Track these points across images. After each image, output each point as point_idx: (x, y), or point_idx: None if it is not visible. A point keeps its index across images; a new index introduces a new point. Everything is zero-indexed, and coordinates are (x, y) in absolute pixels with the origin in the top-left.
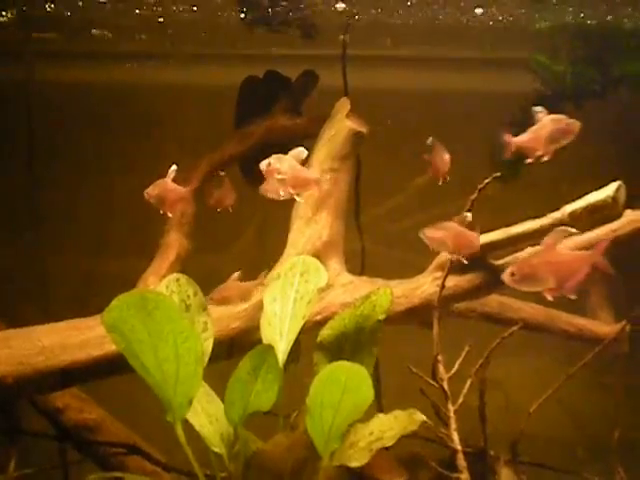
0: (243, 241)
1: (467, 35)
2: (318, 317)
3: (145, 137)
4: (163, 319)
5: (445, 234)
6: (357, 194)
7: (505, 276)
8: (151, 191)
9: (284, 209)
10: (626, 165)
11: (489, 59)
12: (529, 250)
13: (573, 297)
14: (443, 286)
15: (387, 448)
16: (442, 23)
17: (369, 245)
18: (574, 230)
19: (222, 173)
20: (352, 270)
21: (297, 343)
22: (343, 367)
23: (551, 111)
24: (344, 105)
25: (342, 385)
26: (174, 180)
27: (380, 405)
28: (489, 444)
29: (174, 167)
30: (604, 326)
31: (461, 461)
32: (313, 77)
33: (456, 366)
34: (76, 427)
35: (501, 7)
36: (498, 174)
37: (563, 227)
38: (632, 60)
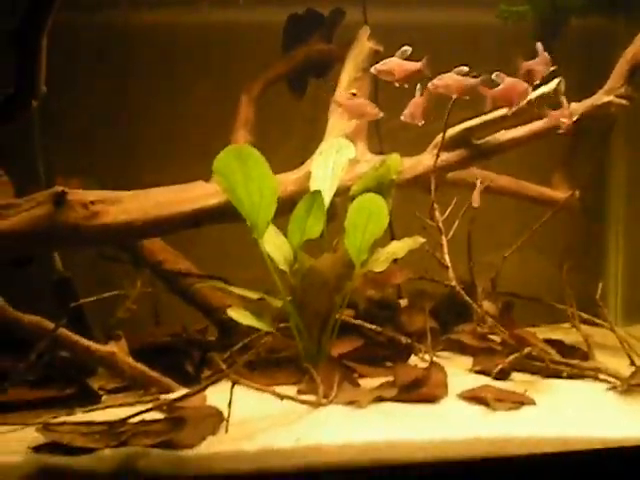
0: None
1: None
2: (350, 183)
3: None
4: (253, 165)
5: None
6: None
7: None
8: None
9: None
10: None
11: None
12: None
13: None
14: (438, 156)
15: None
16: None
17: (387, 149)
18: None
19: None
20: None
21: (335, 204)
22: (369, 197)
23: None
24: (365, 31)
25: (368, 211)
26: None
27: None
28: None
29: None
30: (559, 193)
31: (451, 272)
32: (341, 13)
33: (448, 211)
34: (172, 273)
35: None
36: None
37: None
38: None
